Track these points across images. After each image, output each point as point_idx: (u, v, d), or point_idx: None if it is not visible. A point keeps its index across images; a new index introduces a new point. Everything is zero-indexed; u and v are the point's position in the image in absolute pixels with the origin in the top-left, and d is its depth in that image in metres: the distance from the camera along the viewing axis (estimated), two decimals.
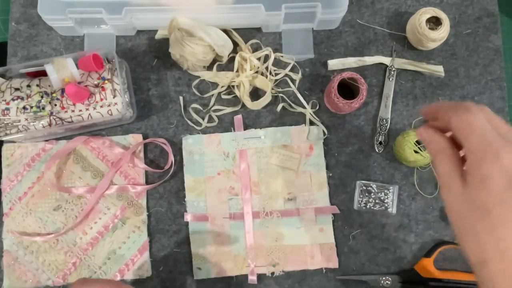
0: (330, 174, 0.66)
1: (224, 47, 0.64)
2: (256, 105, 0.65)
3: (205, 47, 0.62)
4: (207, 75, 0.67)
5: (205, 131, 0.67)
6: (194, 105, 0.67)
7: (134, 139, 0.66)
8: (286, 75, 0.68)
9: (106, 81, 0.61)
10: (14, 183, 0.65)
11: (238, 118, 0.66)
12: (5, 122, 0.60)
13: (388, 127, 0.67)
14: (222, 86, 0.67)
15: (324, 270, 0.64)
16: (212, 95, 0.67)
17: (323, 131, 0.66)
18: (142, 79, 0.68)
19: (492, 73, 0.69)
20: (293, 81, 0.68)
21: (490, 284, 0.32)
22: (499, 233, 0.31)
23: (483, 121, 0.32)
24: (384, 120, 0.67)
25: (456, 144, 0.36)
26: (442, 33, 0.64)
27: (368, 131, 0.67)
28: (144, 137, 0.67)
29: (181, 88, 0.68)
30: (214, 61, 0.67)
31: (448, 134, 0.37)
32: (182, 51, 0.62)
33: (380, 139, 0.67)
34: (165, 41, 0.66)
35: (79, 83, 0.60)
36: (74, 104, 0.60)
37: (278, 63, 0.68)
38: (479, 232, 0.32)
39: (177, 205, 0.66)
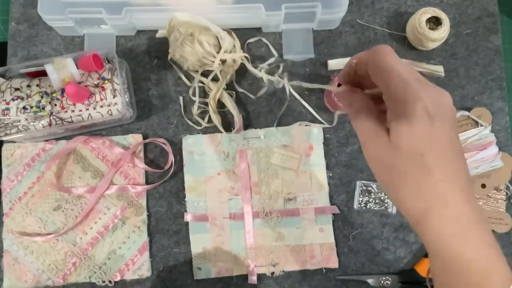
0: (330, 174, 0.66)
1: (225, 40, 0.64)
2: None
3: (205, 47, 0.62)
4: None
5: (205, 131, 0.67)
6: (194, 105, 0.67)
7: (134, 139, 0.66)
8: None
9: (106, 81, 0.61)
10: (14, 183, 0.65)
11: (238, 118, 0.66)
12: (5, 122, 0.60)
13: None
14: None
15: (324, 270, 0.64)
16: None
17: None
18: (142, 79, 0.68)
19: (492, 73, 0.69)
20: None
21: (434, 233, 0.30)
22: (436, 175, 0.29)
23: (398, 62, 0.31)
24: None
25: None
26: (442, 33, 0.64)
27: None
28: (144, 137, 0.67)
29: (181, 88, 0.68)
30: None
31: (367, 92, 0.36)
32: (182, 51, 0.62)
33: None
34: (165, 41, 0.66)
35: (79, 83, 0.60)
36: (74, 104, 0.60)
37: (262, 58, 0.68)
38: (417, 179, 0.30)
39: (177, 205, 0.66)
